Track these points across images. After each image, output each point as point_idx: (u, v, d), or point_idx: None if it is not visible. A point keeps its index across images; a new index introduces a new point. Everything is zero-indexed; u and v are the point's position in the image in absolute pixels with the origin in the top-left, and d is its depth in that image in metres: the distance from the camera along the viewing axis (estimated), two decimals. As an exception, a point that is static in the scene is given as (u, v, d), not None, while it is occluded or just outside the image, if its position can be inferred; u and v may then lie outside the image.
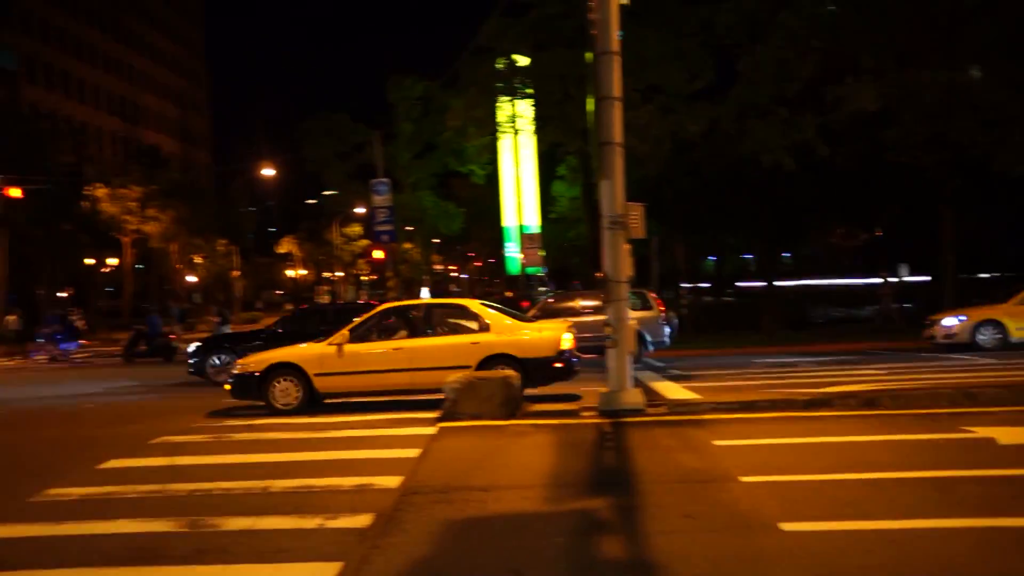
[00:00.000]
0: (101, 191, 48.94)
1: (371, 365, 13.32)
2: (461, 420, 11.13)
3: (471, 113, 30.88)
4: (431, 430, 10.79)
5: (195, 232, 55.17)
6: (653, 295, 22.08)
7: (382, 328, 13.85)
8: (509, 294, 44.03)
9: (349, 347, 13.35)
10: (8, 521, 7.28)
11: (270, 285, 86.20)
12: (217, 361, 18.82)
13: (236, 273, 66.15)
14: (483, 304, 14.40)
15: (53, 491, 8.34)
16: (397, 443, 10.17)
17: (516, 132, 36.52)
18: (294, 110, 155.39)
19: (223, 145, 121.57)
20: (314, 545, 6.27)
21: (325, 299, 63.03)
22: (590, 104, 13.53)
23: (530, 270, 42.65)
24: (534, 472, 8.24)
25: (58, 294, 57.27)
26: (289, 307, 58.73)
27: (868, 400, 11.40)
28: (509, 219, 53.62)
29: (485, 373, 12.14)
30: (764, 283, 36.98)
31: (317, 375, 13.35)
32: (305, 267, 79.36)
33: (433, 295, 52.93)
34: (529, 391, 12.65)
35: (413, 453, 9.38)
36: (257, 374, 13.40)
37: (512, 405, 11.33)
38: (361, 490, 7.92)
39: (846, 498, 6.79)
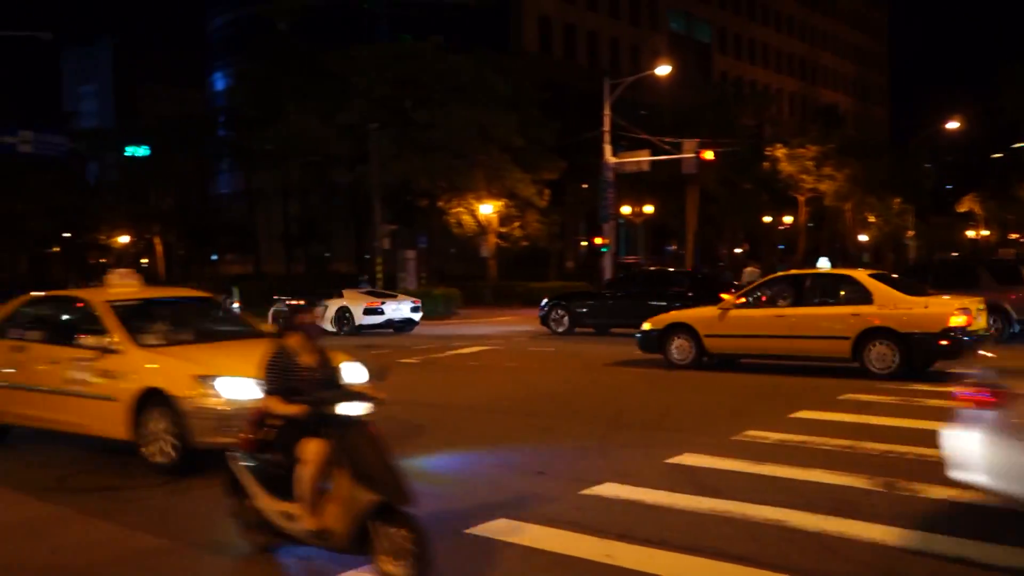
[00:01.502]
0: (780, 151, 50.83)
1: (753, 330, 13.87)
2: None
3: None
4: None
5: (869, 190, 54.28)
6: None
7: (772, 295, 14.14)
8: None
9: (735, 312, 14.08)
10: (715, 454, 8.05)
11: (946, 247, 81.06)
12: (551, 316, 22.86)
13: (911, 233, 63.51)
14: (873, 276, 13.75)
15: (751, 432, 9.00)
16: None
17: None
18: (988, 56, 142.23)
19: (901, 99, 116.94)
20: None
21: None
22: None
23: None
24: None
25: (735, 250, 61.53)
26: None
27: None
28: None
29: None
30: None
31: (706, 336, 14.30)
32: (987, 227, 72.77)
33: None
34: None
35: None
36: (657, 332, 14.85)
37: None
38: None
39: None
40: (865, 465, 7.54)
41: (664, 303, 19.28)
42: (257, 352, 7.55)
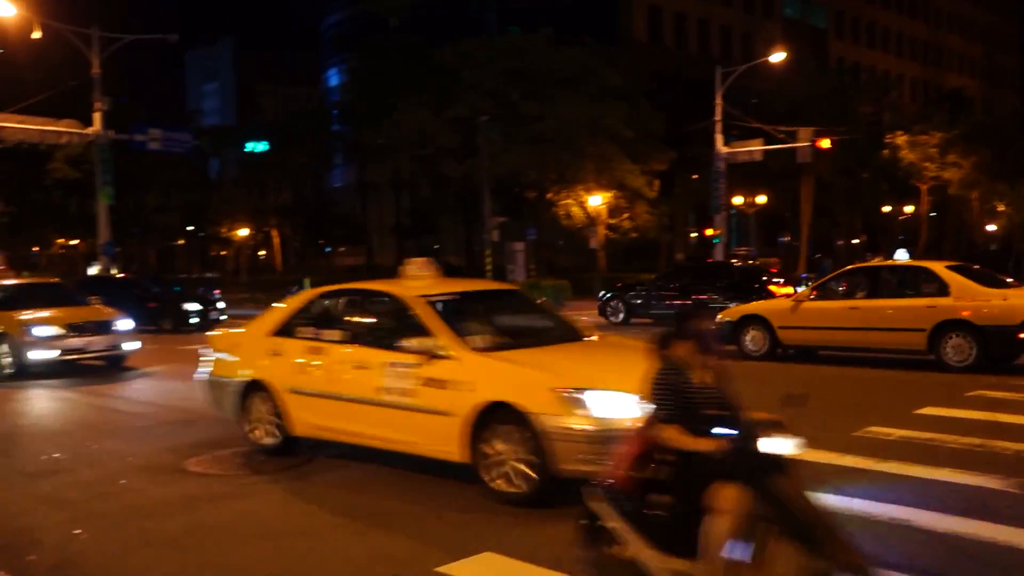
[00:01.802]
0: (901, 138, 48.91)
1: (827, 322, 13.85)
2: None
3: None
4: None
5: (998, 178, 51.71)
6: None
7: (849, 287, 14.20)
8: None
9: (809, 304, 14.13)
10: (836, 451, 7.81)
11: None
12: (608, 306, 23.57)
13: (1045, 223, 60.25)
14: (950, 268, 13.48)
15: (874, 429, 8.70)
16: None
17: None
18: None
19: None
20: None
21: None
22: None
23: None
24: None
25: (852, 241, 59.56)
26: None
27: None
28: None
29: None
30: None
31: (780, 327, 14.39)
32: None
33: None
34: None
35: None
36: (732, 323, 14.90)
37: None
38: None
39: None
40: (997, 465, 7.19)
41: (704, 296, 20.85)
42: (613, 358, 7.22)
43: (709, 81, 32.99)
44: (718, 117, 32.28)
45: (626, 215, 39.29)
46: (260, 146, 50.95)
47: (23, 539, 6.05)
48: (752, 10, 63.04)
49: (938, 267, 13.61)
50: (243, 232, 57.49)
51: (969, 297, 12.73)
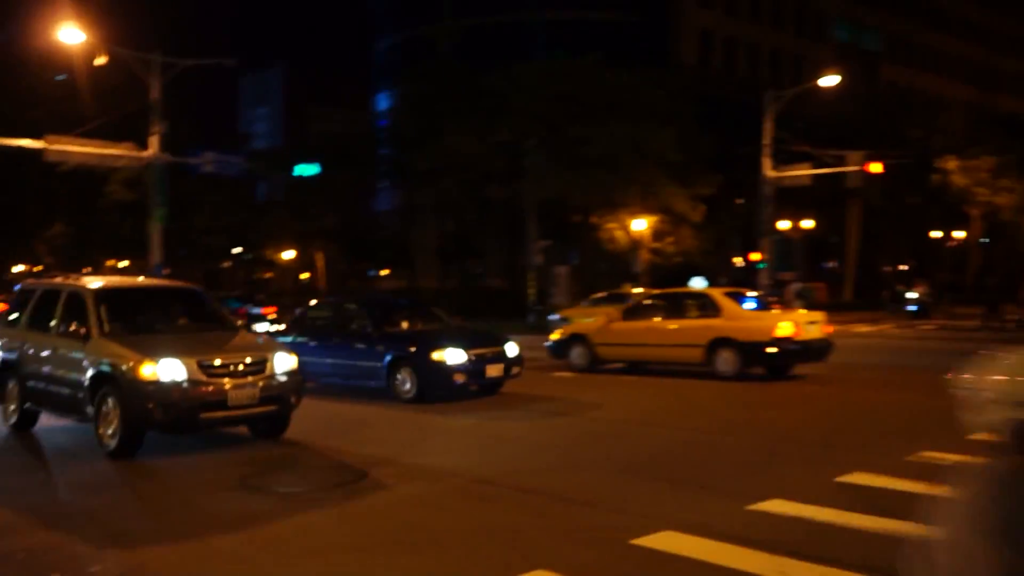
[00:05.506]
0: (952, 163, 48.24)
1: (631, 339, 16.35)
2: None
3: None
4: None
5: (1052, 204, 50.68)
6: None
7: (652, 309, 16.54)
8: None
9: (617, 324, 16.65)
10: (889, 474, 7.72)
11: None
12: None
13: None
14: (726, 294, 16.12)
15: (928, 453, 8.59)
16: None
17: None
18: None
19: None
20: None
21: None
22: None
23: None
24: None
25: (899, 267, 58.66)
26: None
27: None
28: None
29: None
30: None
31: (597, 344, 16.80)
32: None
33: None
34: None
35: None
36: (561, 340, 17.61)
37: None
38: None
39: None
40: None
41: None
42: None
43: (758, 105, 32.85)
44: (766, 141, 32.09)
45: (670, 239, 39.17)
46: (310, 169, 51.68)
47: (89, 549, 6.21)
48: (803, 34, 62.75)
49: (715, 293, 16.38)
50: (288, 254, 58.21)
51: (735, 318, 15.15)
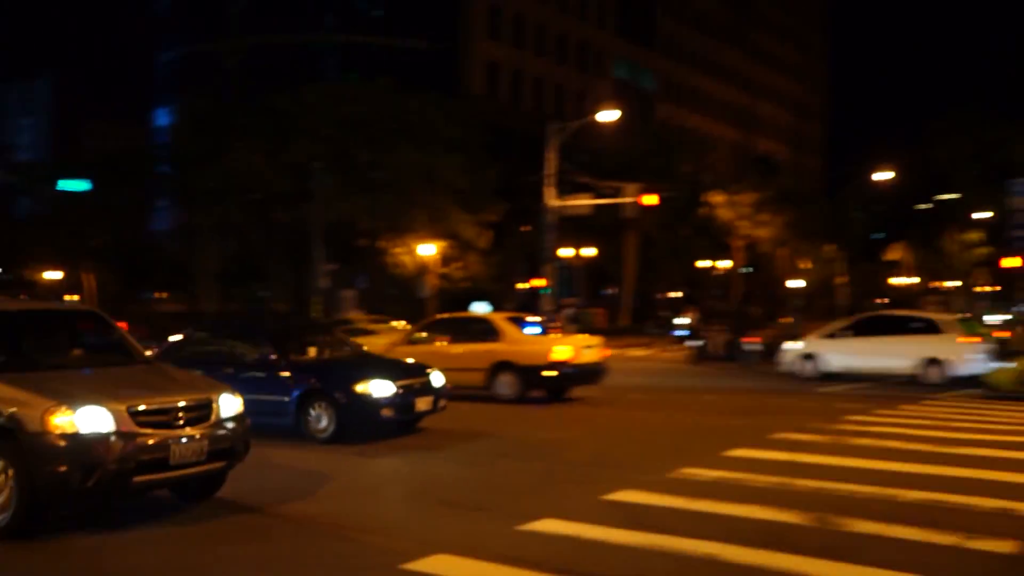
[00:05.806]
0: (718, 198, 51.93)
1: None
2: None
3: None
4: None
5: (803, 237, 55.69)
6: None
7: (439, 332, 16.69)
8: None
9: (401, 348, 16.12)
10: (652, 491, 8.16)
11: (874, 293, 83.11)
12: None
13: (840, 280, 65.13)
14: (507, 319, 16.69)
15: (687, 470, 9.14)
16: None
17: None
18: (918, 109, 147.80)
19: (837, 149, 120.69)
20: (948, 563, 5.95)
21: (932, 310, 58.55)
22: None
23: None
24: None
25: (671, 294, 62.34)
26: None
27: None
28: None
29: None
30: None
31: None
32: (913, 275, 74.90)
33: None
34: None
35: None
36: None
37: None
38: (1004, 514, 7.29)
39: None
40: (797, 501, 7.71)
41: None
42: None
43: (543, 136, 34.01)
44: (549, 171, 33.25)
45: (458, 264, 39.69)
46: (78, 184, 48.26)
47: None
48: (586, 70, 65.65)
49: (496, 318, 16.91)
50: (52, 275, 54.06)
51: (515, 343, 15.60)
